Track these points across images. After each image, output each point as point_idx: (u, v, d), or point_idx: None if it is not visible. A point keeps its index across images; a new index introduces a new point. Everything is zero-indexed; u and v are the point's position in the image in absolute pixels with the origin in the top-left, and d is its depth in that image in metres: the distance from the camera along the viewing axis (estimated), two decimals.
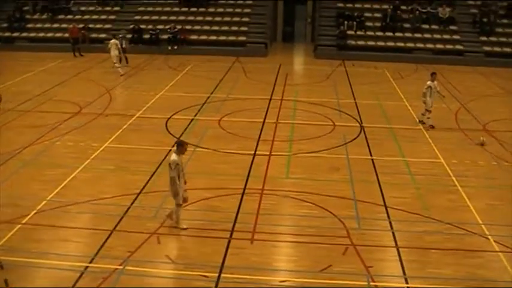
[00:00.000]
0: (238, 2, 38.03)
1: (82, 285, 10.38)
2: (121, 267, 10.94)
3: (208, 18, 36.70)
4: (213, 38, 35.39)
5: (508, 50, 34.40)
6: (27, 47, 35.34)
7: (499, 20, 36.20)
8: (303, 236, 12.48)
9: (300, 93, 25.34)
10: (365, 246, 12.02)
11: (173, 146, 12.71)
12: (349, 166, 16.66)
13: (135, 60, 31.32)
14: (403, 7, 36.54)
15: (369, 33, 35.29)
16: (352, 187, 15.15)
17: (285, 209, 14.08)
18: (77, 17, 37.01)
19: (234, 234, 12.46)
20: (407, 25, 35.50)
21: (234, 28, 35.99)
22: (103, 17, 37.29)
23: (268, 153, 17.58)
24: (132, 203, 13.78)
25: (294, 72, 32.05)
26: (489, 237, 12.64)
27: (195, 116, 21.38)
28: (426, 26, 35.60)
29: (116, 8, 37.88)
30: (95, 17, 37.28)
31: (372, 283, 10.69)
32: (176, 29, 34.91)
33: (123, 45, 29.59)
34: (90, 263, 11.12)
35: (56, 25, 36.72)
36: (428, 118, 20.68)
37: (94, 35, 35.55)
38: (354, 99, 24.41)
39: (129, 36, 34.96)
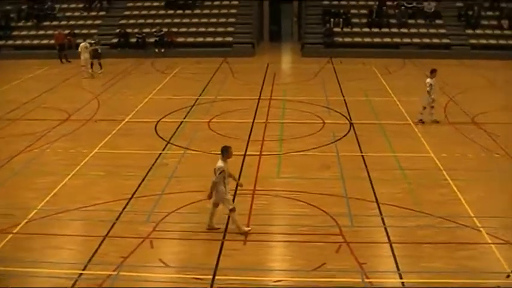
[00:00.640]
0: (224, 2, 38.03)
1: None
2: (115, 273, 10.91)
3: (195, 20, 36.67)
4: (200, 39, 35.37)
5: (493, 42, 34.60)
6: (13, 54, 35.14)
7: (484, 12, 36.39)
8: (296, 235, 12.49)
9: (288, 92, 25.36)
10: (358, 243, 12.04)
11: (220, 153, 12.54)
12: (340, 163, 16.69)
13: (121, 64, 31.27)
14: (389, 3, 36.67)
15: (356, 29, 35.38)
16: (344, 184, 15.18)
17: (277, 209, 14.10)
18: (63, 22, 36.87)
19: (227, 235, 12.46)
20: (393, 20, 35.61)
21: (221, 29, 35.97)
22: (89, 22, 37.14)
23: (258, 153, 17.59)
24: (124, 208, 13.74)
25: (281, 71, 32.08)
26: (481, 229, 12.68)
27: (184, 118, 21.36)
28: (412, 21, 35.74)
29: (102, 13, 37.76)
30: (80, 22, 37.14)
31: (366, 280, 10.71)
32: (162, 32, 34.86)
33: (99, 51, 29.53)
34: (83, 270, 11.07)
35: (41, 32, 36.53)
36: (422, 114, 20.63)
37: (80, 41, 35.35)
38: (343, 96, 24.46)
39: (115, 40, 34.90)
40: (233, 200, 13.71)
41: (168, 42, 34.77)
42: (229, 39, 35.32)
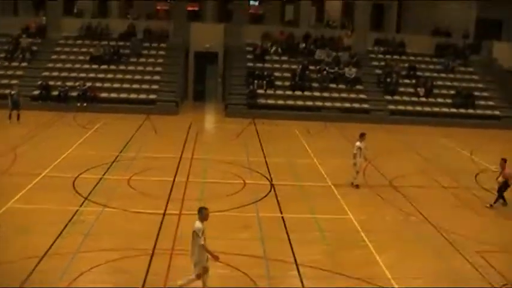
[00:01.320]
0: (149, 60, 38.09)
1: None
2: None
3: (119, 76, 36.46)
4: (124, 95, 35.09)
5: (410, 108, 35.96)
6: None
7: (402, 80, 37.89)
8: None
9: (210, 152, 25.33)
10: None
11: (197, 213, 11.85)
12: (260, 224, 16.65)
13: (42, 117, 30.55)
14: (312, 67, 37.64)
15: (279, 92, 36.02)
16: (263, 245, 15.10)
17: None
18: None
19: None
20: (315, 84, 36.51)
21: (145, 86, 35.86)
22: (9, 72, 36.21)
23: (178, 212, 17.34)
24: (35, 267, 13.14)
25: (204, 131, 32.12)
26: None
27: (104, 174, 20.91)
28: (334, 86, 36.75)
29: (24, 64, 36.99)
30: (1, 72, 36.19)
31: None
32: (86, 86, 34.44)
33: (19, 101, 28.93)
34: None
35: None
36: (355, 178, 20.97)
37: (0, 91, 34.46)
38: (264, 157, 24.62)
39: (37, 92, 34.18)
40: (150, 261, 13.41)
41: (91, 96, 34.32)
42: (153, 96, 35.23)
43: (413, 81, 37.91)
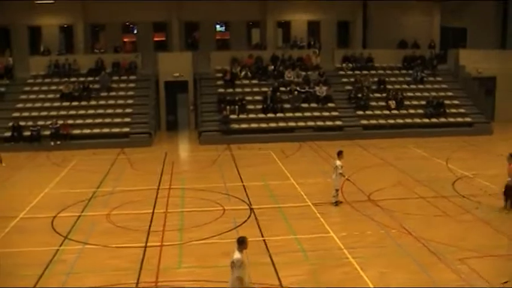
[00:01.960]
0: (120, 93, 38.02)
1: None
2: None
3: (91, 112, 36.30)
4: (96, 131, 34.90)
5: (382, 121, 36.28)
6: None
7: (372, 94, 38.24)
8: None
9: (187, 181, 25.22)
10: None
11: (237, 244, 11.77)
12: None
13: (15, 158, 30.27)
14: (282, 88, 37.85)
15: (251, 115, 36.12)
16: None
17: None
18: None
19: None
20: (287, 105, 36.68)
21: (117, 120, 35.73)
22: None
23: (159, 244, 17.22)
24: None
25: (180, 160, 31.98)
26: None
27: (82, 212, 20.72)
28: (306, 105, 36.94)
29: None
30: None
31: None
32: (58, 124, 34.22)
33: None
34: None
35: None
36: (334, 196, 21.01)
37: None
38: (242, 182, 24.60)
39: (8, 134, 33.85)
40: None
41: (63, 134, 34.10)
42: (126, 129, 35.11)
43: (384, 94, 38.30)
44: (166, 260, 15.92)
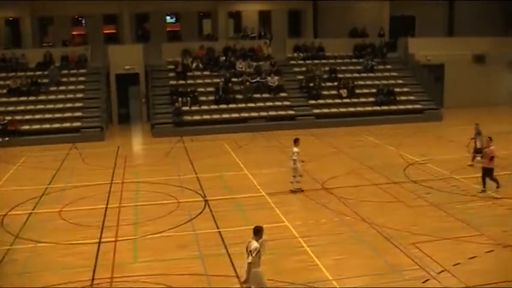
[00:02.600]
0: (70, 87, 37.35)
1: None
2: None
3: (40, 107, 35.52)
4: (46, 126, 34.17)
5: (334, 110, 36.56)
6: None
7: (324, 83, 38.50)
8: None
9: (140, 174, 24.97)
10: None
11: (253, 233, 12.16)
12: (198, 242, 16.53)
13: None
14: (234, 79, 37.78)
15: (204, 107, 35.95)
16: (203, 263, 15.00)
17: None
18: None
19: None
20: (239, 96, 36.65)
21: (68, 114, 35.06)
22: None
23: (114, 239, 17.02)
24: None
25: (133, 154, 31.61)
26: None
27: (33, 209, 20.31)
28: (258, 95, 36.96)
29: None
30: None
31: None
32: (5, 121, 33.43)
33: None
34: None
35: None
36: (299, 182, 21.31)
37: None
38: (196, 173, 24.49)
39: None
40: None
41: (12, 130, 33.31)
42: (77, 124, 34.51)
43: (335, 83, 38.58)
44: (121, 255, 15.76)
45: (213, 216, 18.78)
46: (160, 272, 14.45)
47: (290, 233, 17.08)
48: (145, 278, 14.18)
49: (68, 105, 35.83)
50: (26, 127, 33.98)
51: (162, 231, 17.41)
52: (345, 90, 37.68)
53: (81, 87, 37.50)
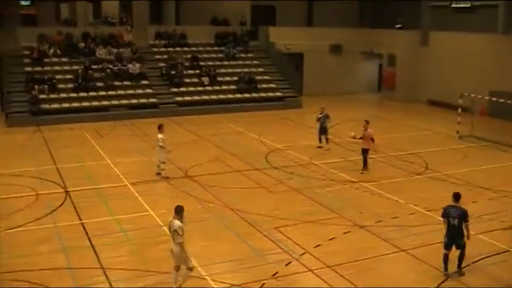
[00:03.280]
0: None
1: None
2: None
3: None
4: None
5: (197, 98, 36.67)
6: None
7: (186, 71, 38.46)
8: None
9: None
10: None
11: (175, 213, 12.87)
12: (59, 235, 16.04)
13: None
14: (94, 66, 36.76)
15: (63, 95, 34.65)
16: (66, 256, 14.61)
17: None
18: None
19: None
20: (100, 84, 35.73)
21: None
22: None
23: None
24: None
25: None
26: (206, 277, 13.29)
27: None
28: (119, 83, 36.24)
29: None
30: None
31: None
32: None
33: None
34: None
35: None
36: (164, 169, 21.36)
37: None
38: (55, 164, 23.64)
39: None
40: None
41: None
42: None
43: (197, 71, 38.66)
44: None
45: (75, 207, 18.29)
46: (23, 268, 13.90)
47: (155, 221, 17.04)
48: (8, 275, 13.56)
49: None
50: None
51: (21, 225, 16.71)
52: (207, 78, 37.86)
53: None
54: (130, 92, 35.91)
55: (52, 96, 34.30)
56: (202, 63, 39.38)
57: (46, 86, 34.37)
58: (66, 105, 34.09)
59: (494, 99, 29.97)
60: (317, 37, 43.79)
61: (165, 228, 16.29)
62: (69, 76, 35.91)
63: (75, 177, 21.66)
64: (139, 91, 36.16)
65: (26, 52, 37.01)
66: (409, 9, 43.95)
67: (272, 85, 39.62)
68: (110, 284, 13.02)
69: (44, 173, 22.33)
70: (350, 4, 48.76)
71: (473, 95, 30.33)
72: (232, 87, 38.25)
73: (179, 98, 36.42)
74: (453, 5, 41.54)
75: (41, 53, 36.66)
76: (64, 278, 13.36)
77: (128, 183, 20.82)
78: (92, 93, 35.02)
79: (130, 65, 37.00)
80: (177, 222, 12.62)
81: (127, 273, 13.57)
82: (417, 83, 42.01)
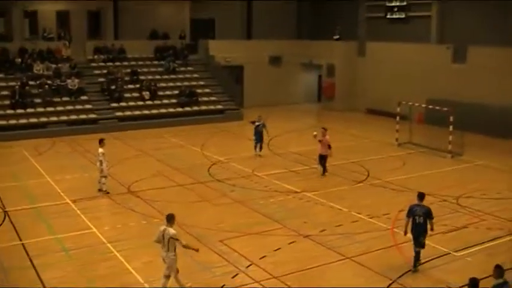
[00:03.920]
0: None
1: None
2: None
3: None
4: None
5: (137, 112, 36.35)
6: None
7: (126, 86, 38.10)
8: None
9: None
10: None
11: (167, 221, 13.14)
12: None
13: None
14: (32, 82, 36.01)
15: None
16: (6, 277, 14.24)
17: None
18: None
19: None
20: (38, 100, 35.01)
21: None
22: None
23: None
24: None
25: None
26: None
27: None
28: (58, 99, 35.59)
29: None
30: None
31: None
32: None
33: None
34: None
35: None
36: (104, 184, 21.13)
37: None
38: None
39: None
40: None
41: None
42: None
43: (137, 85, 38.35)
44: None
45: (14, 227, 17.83)
46: None
47: (98, 239, 16.79)
48: None
49: None
50: None
51: None
52: (148, 93, 37.59)
53: None
54: (70, 107, 35.31)
55: None
56: (142, 78, 39.08)
57: None
58: (3, 122, 33.23)
59: (430, 106, 30.70)
60: (256, 49, 44.15)
61: (109, 245, 16.12)
62: (5, 92, 35.04)
63: (14, 196, 21.13)
64: (79, 107, 35.60)
65: None
66: (346, 21, 44.80)
67: (213, 98, 39.66)
68: None
69: None
70: (288, 17, 49.37)
71: (410, 103, 31.07)
72: (173, 101, 38.09)
73: (119, 113, 36.03)
74: (388, 16, 42.51)
75: None
76: None
77: (69, 201, 20.45)
78: (29, 110, 34.27)
79: (69, 81, 36.41)
80: (171, 230, 12.96)
81: None
82: (356, 92, 42.83)
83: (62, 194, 21.34)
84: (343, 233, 17.30)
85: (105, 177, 21.29)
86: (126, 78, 38.67)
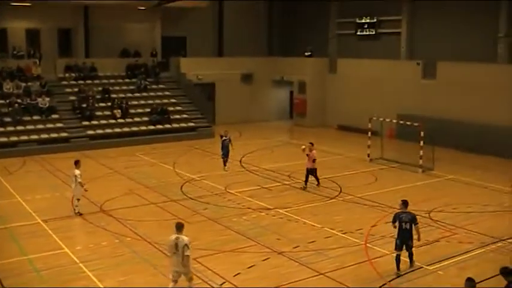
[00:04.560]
0: None
1: None
2: None
3: None
4: None
5: (109, 131, 36.14)
6: None
7: (97, 104, 37.90)
8: None
9: None
10: None
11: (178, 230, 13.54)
12: None
13: None
14: (1, 101, 35.65)
15: None
16: None
17: None
18: None
19: None
20: (8, 119, 34.64)
21: None
22: None
23: None
24: None
25: None
26: None
27: None
28: (28, 118, 35.25)
29: None
30: None
31: None
32: None
33: None
34: None
35: None
36: (77, 206, 20.87)
37: None
38: None
39: None
40: None
41: None
42: None
43: (109, 103, 38.18)
44: None
45: None
46: None
47: (70, 259, 16.60)
48: None
49: None
50: None
51: None
52: (119, 111, 37.44)
53: None
54: (40, 126, 34.98)
55: None
56: (113, 96, 38.94)
57: None
58: None
59: (401, 122, 31.02)
60: (228, 67, 44.30)
61: (82, 265, 15.95)
62: None
63: None
64: (50, 125, 35.29)
65: None
66: (317, 38, 45.29)
67: (185, 115, 39.63)
68: None
69: None
70: (259, 33, 49.71)
71: (381, 119, 31.36)
72: (145, 118, 37.98)
73: (91, 132, 35.79)
74: (358, 33, 43.03)
75: None
76: None
77: (40, 221, 20.20)
78: None
79: (39, 99, 36.11)
80: (185, 237, 13.45)
81: None
82: (327, 108, 43.21)
83: (33, 213, 21.08)
84: (317, 249, 17.35)
85: (79, 199, 21.02)
86: (98, 97, 38.49)
